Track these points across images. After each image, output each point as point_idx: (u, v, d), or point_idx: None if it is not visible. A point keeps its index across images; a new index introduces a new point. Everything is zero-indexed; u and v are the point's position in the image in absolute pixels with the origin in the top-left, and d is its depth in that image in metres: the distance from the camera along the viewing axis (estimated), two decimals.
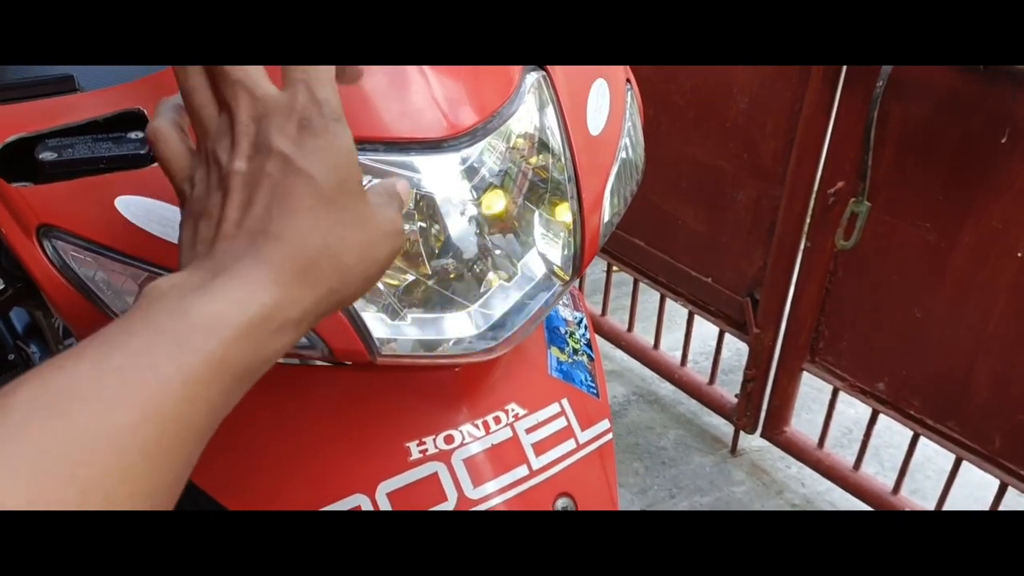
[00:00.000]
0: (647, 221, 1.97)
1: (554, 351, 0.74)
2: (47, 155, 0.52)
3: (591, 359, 0.78)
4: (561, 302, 0.81)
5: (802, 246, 1.70)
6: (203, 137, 0.45)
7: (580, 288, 2.24)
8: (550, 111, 0.65)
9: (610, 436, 0.74)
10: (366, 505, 0.62)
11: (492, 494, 0.64)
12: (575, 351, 0.76)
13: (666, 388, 2.10)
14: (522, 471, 0.66)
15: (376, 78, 0.57)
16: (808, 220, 1.68)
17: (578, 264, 0.65)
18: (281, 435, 0.65)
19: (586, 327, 0.81)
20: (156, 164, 0.53)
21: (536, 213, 0.65)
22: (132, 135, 0.54)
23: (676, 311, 2.00)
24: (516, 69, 0.63)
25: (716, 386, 2.00)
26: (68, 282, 0.52)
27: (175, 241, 0.53)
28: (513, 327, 0.62)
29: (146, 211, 0.52)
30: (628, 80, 0.76)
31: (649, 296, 2.05)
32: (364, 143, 0.55)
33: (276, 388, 0.64)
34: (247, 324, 0.39)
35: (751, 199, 1.76)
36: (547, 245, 0.65)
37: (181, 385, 0.36)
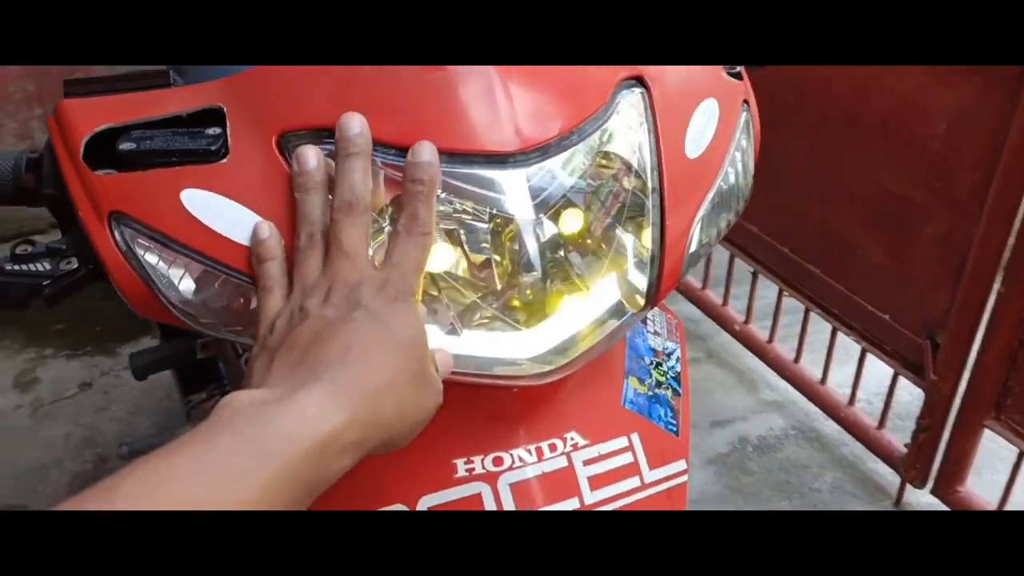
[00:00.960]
0: (824, 247, 1.85)
1: (632, 381, 0.70)
2: (126, 145, 0.55)
3: (677, 394, 0.73)
4: (652, 330, 0.77)
5: (995, 289, 1.53)
6: (298, 292, 0.53)
7: (749, 313, 2.13)
8: (643, 130, 0.61)
9: (685, 478, 0.69)
10: None
11: None
12: (658, 383, 0.72)
13: (830, 427, 1.96)
14: (572, 504, 0.63)
15: (451, 87, 0.55)
16: (1004, 260, 1.51)
17: (653, 294, 0.61)
18: None
19: (678, 359, 0.76)
20: (224, 161, 0.56)
21: (617, 235, 0.61)
22: (210, 131, 0.56)
23: (849, 344, 1.86)
24: (610, 83, 0.60)
25: (885, 431, 1.85)
26: (132, 268, 0.55)
27: (231, 237, 0.55)
28: (574, 353, 0.60)
29: (208, 205, 0.54)
30: (746, 101, 0.70)
31: (821, 327, 1.93)
32: None
33: None
34: (320, 440, 0.44)
35: (941, 233, 1.60)
36: (625, 270, 0.62)
37: (261, 492, 0.41)
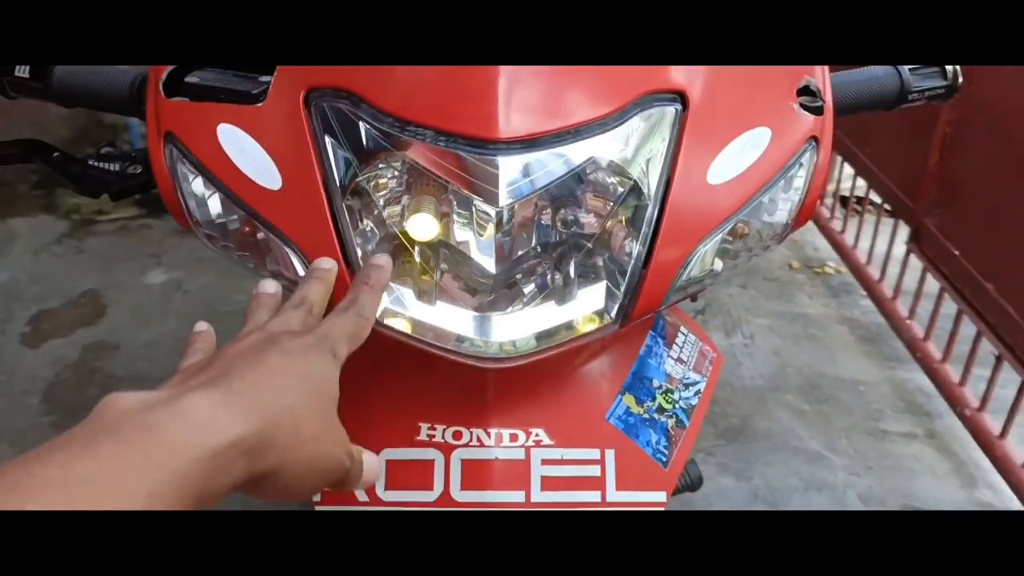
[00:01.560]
0: None
1: (628, 399, 0.68)
2: (192, 79, 0.64)
3: (681, 426, 0.69)
4: (675, 355, 0.73)
5: None
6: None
7: (985, 400, 1.88)
8: (658, 146, 0.60)
9: (659, 510, 0.66)
10: None
11: (473, 503, 0.63)
12: (660, 409, 0.69)
13: None
14: (517, 497, 0.63)
15: (455, 69, 0.58)
16: None
17: (624, 314, 0.59)
18: (344, 381, 0.71)
19: (698, 393, 0.71)
20: (260, 105, 0.63)
21: (614, 245, 0.60)
22: (263, 78, 0.63)
23: None
24: (631, 92, 0.59)
25: None
26: (173, 183, 0.64)
27: (248, 174, 0.62)
28: (536, 347, 0.60)
29: (236, 140, 0.61)
30: (815, 138, 0.64)
31: None
32: (417, 125, 0.58)
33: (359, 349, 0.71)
34: (210, 449, 0.40)
35: None
36: (616, 282, 0.61)
37: (146, 498, 0.37)
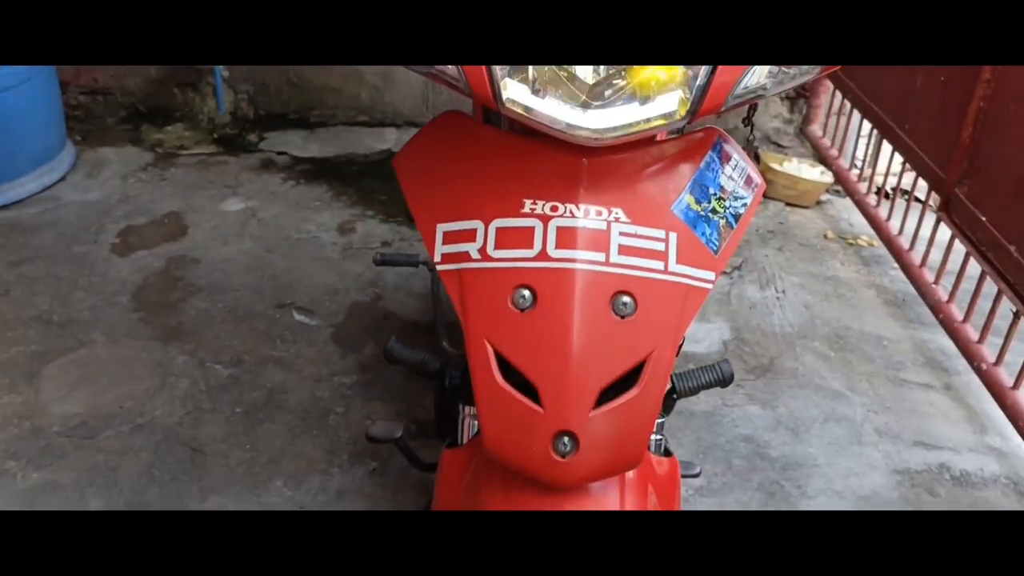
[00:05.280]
0: None
1: (688, 198, 0.84)
2: None
3: (730, 227, 0.86)
4: (728, 174, 0.90)
5: None
6: None
7: (1001, 355, 2.01)
8: None
9: (709, 286, 0.82)
10: (480, 231, 0.83)
11: (565, 259, 0.79)
12: (714, 211, 0.85)
13: None
14: (598, 256, 0.79)
15: None
16: None
17: (693, 109, 0.77)
18: (466, 168, 0.89)
19: (744, 205, 0.88)
20: None
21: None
22: None
23: None
24: None
25: None
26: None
27: None
28: (614, 133, 0.77)
29: None
30: None
31: None
32: None
33: (477, 143, 0.88)
34: None
35: None
36: (688, 89, 0.78)
37: None
